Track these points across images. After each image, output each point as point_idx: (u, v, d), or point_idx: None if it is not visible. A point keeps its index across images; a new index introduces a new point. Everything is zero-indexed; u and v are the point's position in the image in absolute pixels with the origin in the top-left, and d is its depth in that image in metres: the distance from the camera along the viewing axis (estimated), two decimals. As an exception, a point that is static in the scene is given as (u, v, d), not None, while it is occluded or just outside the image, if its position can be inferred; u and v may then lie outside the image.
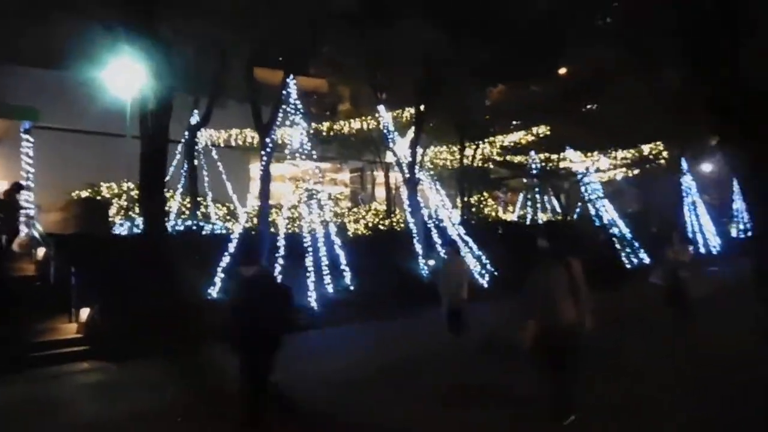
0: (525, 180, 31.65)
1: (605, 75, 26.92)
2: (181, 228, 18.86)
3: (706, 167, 38.04)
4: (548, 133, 26.65)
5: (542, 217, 31.82)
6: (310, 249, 15.58)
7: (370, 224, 24.47)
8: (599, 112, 26.56)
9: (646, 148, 31.30)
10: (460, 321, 10.48)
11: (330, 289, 15.90)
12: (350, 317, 15.06)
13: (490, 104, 26.17)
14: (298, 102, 15.88)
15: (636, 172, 32.73)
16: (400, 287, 17.13)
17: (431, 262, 19.08)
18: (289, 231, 17.51)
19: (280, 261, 14.97)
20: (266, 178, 15.33)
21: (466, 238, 20.66)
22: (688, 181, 32.92)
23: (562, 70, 29.25)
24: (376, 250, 18.75)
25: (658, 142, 31.31)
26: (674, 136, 30.29)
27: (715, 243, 32.80)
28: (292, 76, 15.44)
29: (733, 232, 36.36)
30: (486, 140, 26.18)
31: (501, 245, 22.16)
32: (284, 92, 15.41)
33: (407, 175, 19.80)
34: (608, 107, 26.10)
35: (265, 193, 15.45)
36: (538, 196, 32.58)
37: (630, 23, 30.16)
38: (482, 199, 31.27)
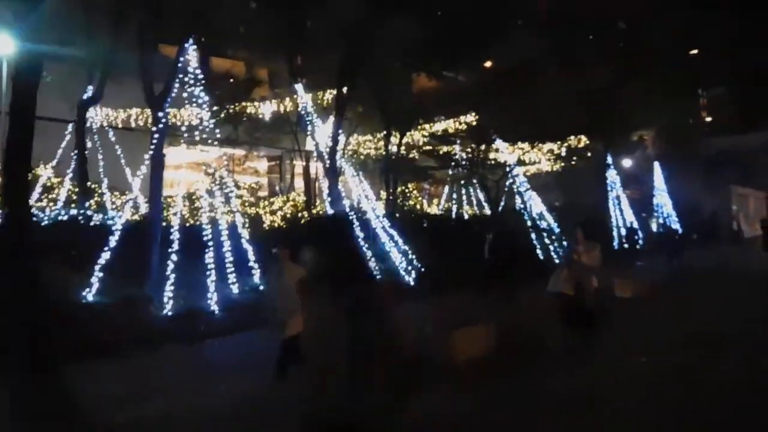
0: (451, 171, 30.02)
1: (531, 66, 25.81)
2: (65, 218, 16.05)
3: (628, 162, 37.59)
4: (475, 123, 25.04)
5: (467, 210, 30.42)
6: (211, 243, 13.12)
7: (288, 216, 22.18)
8: (526, 103, 25.23)
9: (572, 142, 30.40)
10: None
11: (235, 289, 13.53)
12: (257, 322, 12.78)
13: (417, 92, 24.35)
14: (200, 75, 13.32)
15: (563, 165, 31.77)
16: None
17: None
18: (191, 224, 15.09)
19: (174, 257, 12.49)
20: (159, 160, 12.87)
21: (391, 231, 18.65)
22: (612, 175, 32.14)
23: (488, 63, 27.94)
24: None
25: (582, 136, 30.46)
26: (598, 130, 29.52)
27: (638, 237, 32.14)
28: (191, 42, 12.90)
29: (654, 227, 35.98)
30: (412, 129, 24.31)
31: (426, 239, 20.33)
32: (181, 59, 12.83)
33: (328, 163, 17.60)
34: (534, 98, 24.83)
35: (156, 178, 12.95)
36: (464, 188, 31.19)
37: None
38: (407, 190, 29.52)
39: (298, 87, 17.74)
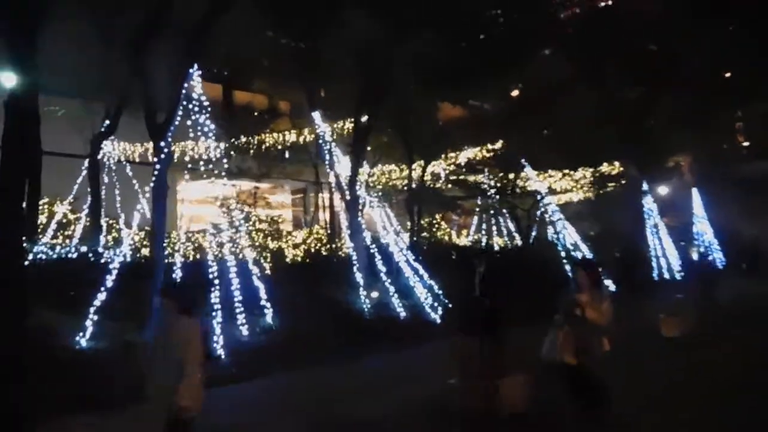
0: (480, 201, 28.75)
1: (559, 90, 24.69)
2: (74, 255, 15.18)
3: (665, 189, 35.84)
4: (502, 150, 23.83)
5: (498, 241, 29.05)
6: (218, 281, 12.03)
7: (312, 250, 21.11)
8: (554, 128, 24.00)
9: (605, 168, 29.00)
10: None
11: (245, 331, 12.39)
12: (270, 367, 11.64)
13: (441, 120, 23.32)
14: (206, 103, 12.37)
15: (596, 193, 30.27)
16: (336, 326, 13.76)
17: (374, 294, 15.77)
18: (197, 260, 14.08)
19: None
20: (161, 193, 11.86)
21: (416, 264, 17.39)
22: (649, 202, 30.47)
23: (514, 90, 26.88)
24: (308, 281, 15.36)
25: (616, 162, 29.05)
26: (631, 155, 28.09)
27: (677, 267, 30.26)
28: (196, 67, 12.00)
29: (695, 256, 34.01)
30: (437, 158, 23.18)
31: (455, 272, 18.97)
32: (185, 85, 11.91)
33: (347, 194, 16.52)
34: (563, 123, 23.61)
35: (159, 212, 11.94)
36: (493, 218, 29.89)
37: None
38: (434, 221, 28.29)
39: (316, 115, 16.74)
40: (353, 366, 12.18)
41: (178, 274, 11.58)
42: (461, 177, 26.23)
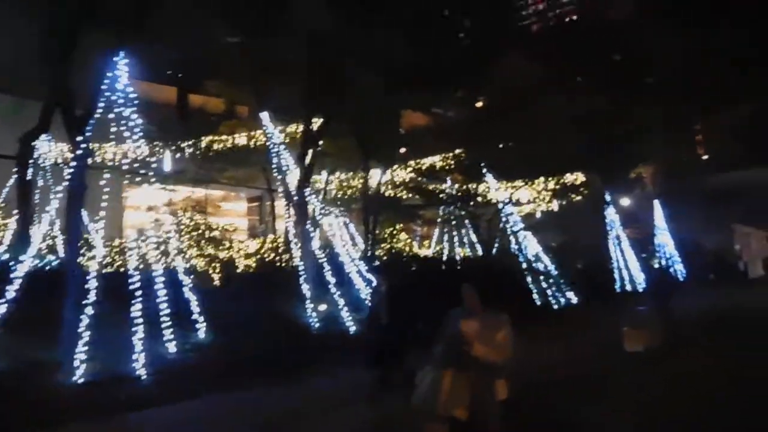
0: (441, 211, 27.75)
1: (522, 96, 23.93)
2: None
3: (627, 200, 35.36)
4: (463, 157, 22.89)
5: (460, 252, 28.06)
6: (141, 292, 10.73)
7: (265, 260, 19.82)
8: (517, 135, 23.17)
9: (568, 179, 28.26)
10: None
11: (172, 347, 11.09)
12: (197, 388, 10.35)
13: (403, 127, 22.31)
14: (131, 93, 11.08)
15: (559, 204, 29.51)
16: (277, 342, 12.56)
17: (322, 307, 14.59)
18: (119, 270, 12.78)
19: (94, 310, 10.10)
20: (77, 194, 10.56)
21: (369, 276, 16.24)
22: (611, 214, 29.84)
23: (476, 93, 26.06)
24: (253, 293, 14.12)
25: (578, 173, 28.35)
26: (594, 165, 27.44)
27: (640, 279, 29.62)
28: (123, 55, 10.73)
29: (655, 267, 33.48)
30: (396, 164, 22.13)
31: (414, 283, 17.89)
32: (110, 74, 10.62)
33: (295, 200, 15.36)
34: (526, 130, 22.79)
35: (74, 216, 10.64)
36: (455, 229, 28.89)
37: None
38: (394, 232, 27.17)
39: (264, 116, 15.56)
40: (293, 386, 10.98)
41: (93, 285, 10.22)
42: (422, 185, 25.16)
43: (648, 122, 27.68)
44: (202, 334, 11.85)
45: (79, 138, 10.34)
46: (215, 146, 19.01)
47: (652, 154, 32.93)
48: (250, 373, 11.16)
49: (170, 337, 11.18)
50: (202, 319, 11.96)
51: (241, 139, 18.99)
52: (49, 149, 18.82)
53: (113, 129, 11.07)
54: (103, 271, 13.29)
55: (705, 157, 50.63)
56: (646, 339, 12.89)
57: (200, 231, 21.23)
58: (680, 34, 29.44)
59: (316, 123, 17.55)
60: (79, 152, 10.33)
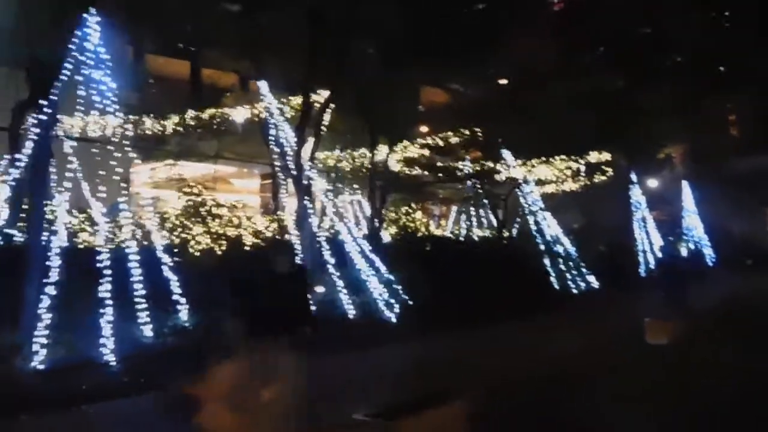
0: (457, 188, 26.55)
1: (543, 72, 22.54)
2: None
3: (654, 181, 33.62)
4: (479, 134, 21.55)
5: (478, 233, 26.85)
6: (112, 272, 9.73)
7: (275, 237, 18.80)
8: (537, 113, 21.71)
9: (592, 158, 26.70)
10: None
11: (147, 331, 10.11)
12: (173, 376, 9.33)
13: (413, 100, 21.03)
14: (103, 54, 10.00)
15: (582, 184, 27.98)
16: (268, 324, 11.48)
17: (319, 289, 13.52)
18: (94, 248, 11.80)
19: (55, 288, 9.14)
20: (43, 161, 9.56)
21: (373, 256, 15.11)
22: (637, 194, 28.27)
23: (493, 73, 24.60)
24: (245, 273, 13.04)
25: (603, 152, 26.78)
26: (618, 143, 25.89)
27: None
28: (93, 11, 9.65)
29: (684, 252, 31.79)
30: (405, 139, 20.88)
31: (428, 265, 16.70)
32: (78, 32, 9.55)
33: (294, 173, 14.28)
34: (547, 107, 21.36)
35: (39, 187, 9.66)
36: (472, 208, 27.68)
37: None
38: (410, 211, 25.99)
39: (263, 85, 14.44)
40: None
41: (56, 263, 9.27)
42: (435, 162, 23.85)
43: (673, 99, 26.09)
44: (184, 316, 10.84)
45: (44, 102, 9.31)
46: (216, 119, 17.92)
47: (679, 133, 31.21)
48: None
49: (147, 320, 10.17)
50: (185, 300, 10.92)
51: (243, 112, 17.89)
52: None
53: (83, 94, 9.95)
54: (80, 247, 12.45)
55: (736, 138, 48.29)
56: (670, 331, 11.60)
57: (207, 207, 20.38)
58: (709, 7, 27.68)
59: (318, 95, 16.44)
60: (43, 118, 9.29)
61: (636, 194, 28.26)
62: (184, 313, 10.88)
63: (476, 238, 25.99)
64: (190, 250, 16.77)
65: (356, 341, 12.03)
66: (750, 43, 27.28)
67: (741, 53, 27.50)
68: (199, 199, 19.75)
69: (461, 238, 26.24)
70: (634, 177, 28.18)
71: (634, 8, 25.95)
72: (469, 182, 24.46)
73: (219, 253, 15.65)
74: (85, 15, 9.61)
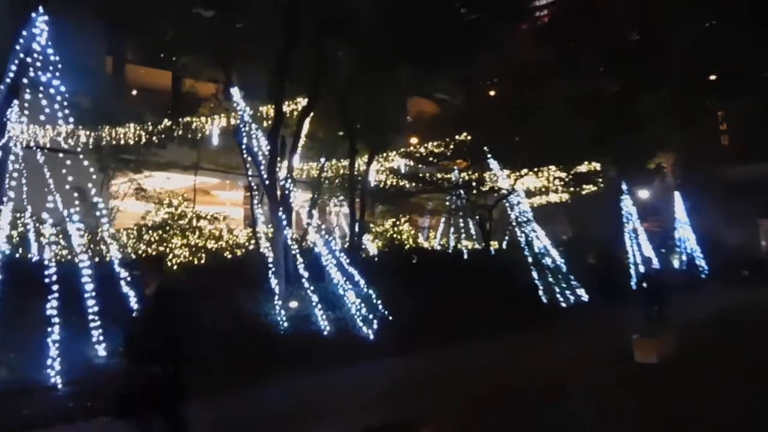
0: (447, 199, 25.91)
1: (532, 77, 21.95)
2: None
3: (646, 192, 33.04)
4: (464, 142, 20.92)
5: (467, 245, 26.18)
6: (63, 287, 9.04)
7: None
8: (527, 120, 21.10)
9: (581, 167, 26.07)
10: None
11: (101, 350, 9.39)
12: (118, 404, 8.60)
13: (397, 107, 20.43)
14: (53, 56, 9.33)
15: (571, 194, 27.34)
16: (236, 343, 10.84)
17: (293, 304, 12.83)
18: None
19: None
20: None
21: (352, 269, 14.43)
22: (628, 205, 27.66)
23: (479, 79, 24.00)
24: (218, 287, 12.35)
25: (592, 161, 26.13)
26: (609, 153, 25.27)
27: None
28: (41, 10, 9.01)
29: (676, 264, 31.21)
30: (388, 148, 20.25)
31: (412, 279, 16.00)
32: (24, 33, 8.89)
33: (267, 182, 13.62)
34: (537, 115, 20.76)
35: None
36: (461, 220, 27.03)
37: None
38: (397, 223, 25.33)
39: (235, 92, 13.80)
40: (250, 395, 9.30)
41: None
42: (420, 172, 23.18)
43: (664, 106, 25.54)
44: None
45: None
46: (190, 129, 17.25)
47: (670, 141, 30.64)
48: (198, 381, 9.43)
49: (99, 338, 9.45)
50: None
51: (219, 121, 17.26)
52: (21, 131, 17.34)
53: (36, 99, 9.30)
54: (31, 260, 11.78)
55: (727, 147, 47.77)
56: (660, 349, 10.93)
57: (187, 220, 19.71)
58: (700, 11, 27.17)
59: (295, 104, 15.86)
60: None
61: (627, 205, 27.65)
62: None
63: (465, 250, 25.36)
64: (169, 263, 16.13)
65: (326, 360, 11.35)
66: (744, 49, 26.81)
67: (735, 59, 27.00)
68: (177, 211, 19.12)
69: (449, 251, 25.60)
70: (624, 187, 27.58)
71: (627, 12, 25.50)
72: (455, 192, 23.79)
73: (191, 265, 14.91)
74: (33, 15, 8.94)
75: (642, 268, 26.27)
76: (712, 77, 29.57)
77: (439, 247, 26.73)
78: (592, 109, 22.42)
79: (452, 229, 27.61)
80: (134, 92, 27.16)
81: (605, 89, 24.43)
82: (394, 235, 24.59)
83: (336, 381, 10.65)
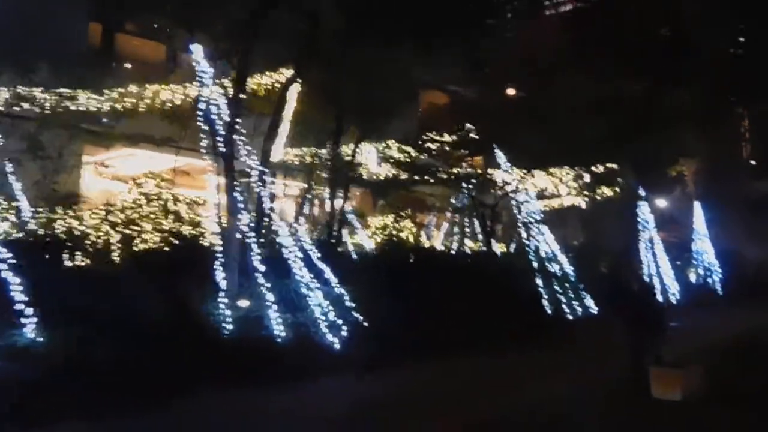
0: (451, 195, 23.66)
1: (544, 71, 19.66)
2: None
3: (664, 200, 30.34)
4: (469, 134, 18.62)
5: (472, 246, 23.84)
6: None
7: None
8: (539, 115, 18.73)
9: (596, 170, 23.59)
10: None
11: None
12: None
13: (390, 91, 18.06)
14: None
15: (585, 198, 24.87)
16: (164, 349, 8.59)
17: (243, 303, 10.52)
18: None
19: None
20: None
21: (322, 265, 12.06)
22: (645, 213, 25.02)
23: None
24: (150, 280, 10.08)
25: (608, 164, 23.63)
26: (629, 155, 22.77)
27: (674, 290, 24.72)
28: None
29: (692, 277, 28.47)
30: (377, 132, 17.92)
31: (400, 280, 13.55)
32: None
33: (225, 162, 11.35)
34: (551, 111, 18.44)
35: None
36: (466, 219, 24.73)
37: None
38: (398, 219, 23.05)
39: (196, 49, 11.49)
40: (169, 417, 7.16)
41: None
42: (415, 161, 20.76)
43: (690, 110, 23.02)
44: (30, 332, 7.86)
45: None
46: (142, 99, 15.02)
47: (693, 148, 28.04)
48: (109, 395, 7.27)
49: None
50: (33, 310, 7.95)
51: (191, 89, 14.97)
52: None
53: None
54: None
55: (751, 160, 44.82)
56: (684, 383, 8.42)
57: (162, 202, 17.61)
58: (728, 13, 24.69)
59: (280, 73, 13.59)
60: None
61: (644, 212, 25.02)
62: (30, 329, 7.89)
63: (467, 252, 23.12)
64: (135, 249, 13.97)
65: (275, 373, 9.06)
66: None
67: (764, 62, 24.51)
68: (161, 193, 17.01)
69: (451, 251, 23.35)
70: (642, 193, 24.98)
71: (652, 8, 23.08)
72: (458, 187, 21.45)
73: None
74: None
75: (658, 280, 23.88)
76: (741, 80, 27.09)
77: (441, 248, 24.51)
78: (612, 108, 20.03)
79: (455, 229, 25.46)
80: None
81: (627, 88, 21.96)
82: (394, 232, 22.48)
83: (281, 400, 8.42)
